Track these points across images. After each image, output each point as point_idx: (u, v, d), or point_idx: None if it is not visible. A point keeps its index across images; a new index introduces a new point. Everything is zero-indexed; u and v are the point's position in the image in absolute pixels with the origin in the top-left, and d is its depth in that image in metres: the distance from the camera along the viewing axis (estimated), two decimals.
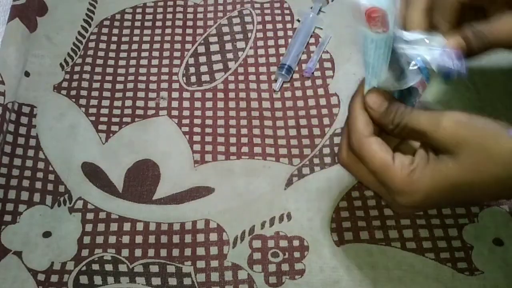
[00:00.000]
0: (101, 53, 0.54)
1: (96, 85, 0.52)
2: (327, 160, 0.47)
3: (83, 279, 0.42)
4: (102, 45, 0.54)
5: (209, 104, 0.51)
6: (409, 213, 0.43)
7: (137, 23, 0.56)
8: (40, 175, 0.46)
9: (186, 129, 0.49)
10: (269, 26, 0.55)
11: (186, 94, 0.51)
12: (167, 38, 0.55)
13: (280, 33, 0.54)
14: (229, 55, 0.53)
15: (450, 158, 0.30)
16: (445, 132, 0.30)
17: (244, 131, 0.49)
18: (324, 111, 0.49)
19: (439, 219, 0.43)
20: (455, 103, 0.48)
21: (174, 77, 0.52)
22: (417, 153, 0.32)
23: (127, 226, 0.44)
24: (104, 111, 0.50)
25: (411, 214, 0.43)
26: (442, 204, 0.33)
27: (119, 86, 0.52)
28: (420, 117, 0.31)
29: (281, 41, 0.54)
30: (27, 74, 0.52)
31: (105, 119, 0.50)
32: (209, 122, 0.49)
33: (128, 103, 0.51)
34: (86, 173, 0.47)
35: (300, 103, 0.50)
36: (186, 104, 0.51)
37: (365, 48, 0.31)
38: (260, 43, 0.54)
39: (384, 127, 0.33)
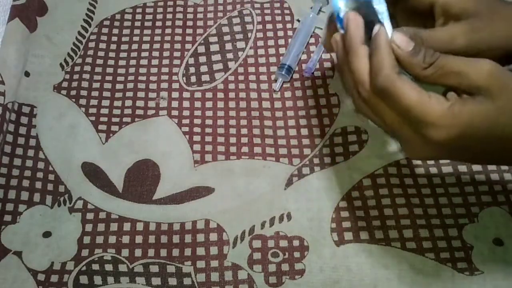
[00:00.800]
0: (101, 53, 0.54)
1: (96, 85, 0.52)
2: (327, 160, 0.47)
3: (83, 279, 0.42)
4: (102, 45, 0.54)
5: (209, 104, 0.51)
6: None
7: (137, 23, 0.56)
8: (40, 175, 0.46)
9: (186, 129, 0.49)
10: (269, 26, 0.55)
11: (186, 94, 0.51)
12: (167, 38, 0.55)
13: (280, 33, 0.54)
14: (229, 55, 0.53)
15: (487, 100, 0.30)
16: (486, 74, 0.30)
17: (244, 131, 0.49)
18: (324, 111, 0.49)
19: (439, 219, 0.43)
20: None
21: (174, 77, 0.52)
22: (449, 95, 0.32)
23: (127, 226, 0.44)
24: (104, 111, 0.50)
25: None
26: (470, 150, 0.32)
27: (119, 86, 0.52)
28: (456, 59, 0.31)
29: (281, 41, 0.54)
30: (27, 74, 0.52)
31: (105, 119, 0.50)
32: (209, 122, 0.49)
33: (128, 103, 0.51)
34: (86, 173, 0.47)
35: (300, 103, 0.50)
36: (186, 104, 0.51)
37: None
38: (260, 43, 0.54)
39: (413, 67, 0.32)
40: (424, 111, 0.30)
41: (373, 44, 0.33)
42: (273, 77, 0.52)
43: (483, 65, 0.30)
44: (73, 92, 0.51)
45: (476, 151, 0.32)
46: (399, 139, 0.34)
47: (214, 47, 0.54)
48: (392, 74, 0.31)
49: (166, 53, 0.54)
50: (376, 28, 0.33)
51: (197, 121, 0.50)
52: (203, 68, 0.53)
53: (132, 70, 0.53)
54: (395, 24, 0.40)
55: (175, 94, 0.51)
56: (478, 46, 0.35)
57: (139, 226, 0.44)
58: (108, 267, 0.42)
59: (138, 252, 0.43)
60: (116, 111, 0.50)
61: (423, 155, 0.34)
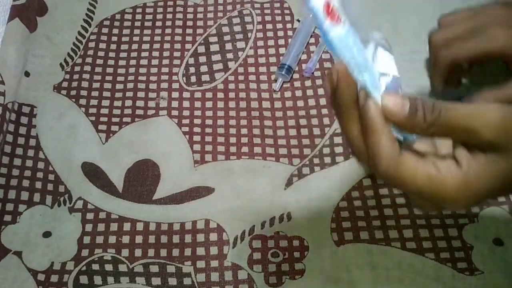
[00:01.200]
0: (101, 53, 0.54)
1: (96, 85, 0.52)
2: (327, 160, 0.47)
3: (83, 279, 0.42)
4: (102, 45, 0.54)
5: (209, 104, 0.51)
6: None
7: (137, 23, 0.56)
8: (40, 175, 0.46)
9: (186, 129, 0.49)
10: (269, 26, 0.55)
11: (186, 94, 0.51)
12: (167, 38, 0.55)
13: (280, 33, 0.54)
14: (229, 55, 0.53)
15: (502, 157, 0.27)
16: (496, 127, 0.26)
17: (244, 131, 0.49)
18: (324, 111, 0.49)
19: (439, 219, 0.43)
20: None
21: (174, 77, 0.52)
22: (459, 154, 0.28)
23: (127, 226, 0.44)
24: (104, 111, 0.50)
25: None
26: (487, 199, 0.30)
27: (119, 86, 0.52)
28: (460, 111, 0.27)
29: (281, 41, 0.54)
30: (27, 74, 0.52)
31: (105, 119, 0.50)
32: (209, 122, 0.49)
33: (128, 103, 0.51)
34: (86, 173, 0.47)
35: (300, 103, 0.50)
36: (186, 104, 0.51)
37: (339, 52, 0.27)
38: (260, 43, 0.54)
39: (414, 130, 0.28)
40: (437, 190, 0.27)
41: (362, 120, 0.28)
42: (273, 77, 0.52)
43: (491, 116, 0.27)
44: (73, 92, 0.51)
45: (493, 197, 0.30)
46: (411, 201, 0.32)
47: (214, 47, 0.54)
48: (393, 160, 0.27)
49: (166, 53, 0.54)
50: (361, 100, 0.28)
51: (197, 121, 0.50)
52: (203, 68, 0.53)
53: (132, 70, 0.53)
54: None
55: (175, 94, 0.51)
56: None
57: (139, 226, 0.44)
58: (108, 267, 0.42)
59: (138, 252, 0.43)
60: (116, 111, 0.50)
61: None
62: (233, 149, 0.48)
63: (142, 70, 0.53)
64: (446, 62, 0.41)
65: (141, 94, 0.51)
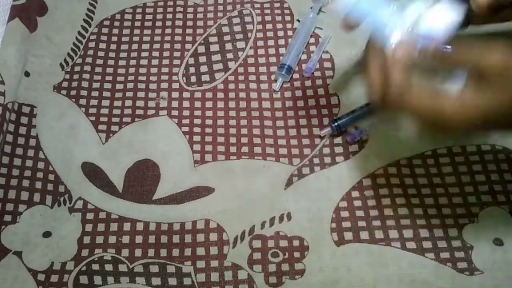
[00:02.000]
0: (101, 53, 0.54)
1: (96, 85, 0.52)
2: (327, 160, 0.47)
3: (83, 279, 0.42)
4: (102, 45, 0.54)
5: (209, 104, 0.51)
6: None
7: (137, 23, 0.56)
8: (40, 175, 0.46)
9: (186, 129, 0.49)
10: (269, 26, 0.55)
11: (186, 94, 0.51)
12: (167, 38, 0.55)
13: (280, 33, 0.54)
14: (229, 55, 0.53)
15: (501, 86, 0.30)
16: (498, 66, 0.30)
17: (244, 131, 0.49)
18: (324, 111, 0.49)
19: (439, 219, 0.43)
20: None
21: (174, 77, 0.52)
22: (459, 77, 0.31)
23: (127, 226, 0.44)
24: (104, 111, 0.50)
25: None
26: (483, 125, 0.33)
27: (119, 86, 0.52)
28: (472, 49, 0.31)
29: (281, 41, 0.54)
30: (27, 74, 0.52)
31: (105, 119, 0.50)
32: (209, 122, 0.49)
33: (128, 103, 0.51)
34: (86, 173, 0.47)
35: (300, 103, 0.50)
36: (186, 104, 0.51)
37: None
38: (260, 43, 0.54)
39: (433, 55, 0.32)
40: (436, 111, 0.31)
41: (381, 59, 0.33)
42: (273, 77, 0.52)
43: (496, 54, 0.30)
44: (73, 92, 0.51)
45: (490, 127, 0.33)
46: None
47: (214, 47, 0.54)
48: (401, 88, 0.32)
49: (166, 53, 0.54)
50: (379, 44, 0.33)
51: (197, 121, 0.50)
52: (203, 68, 0.53)
53: (132, 70, 0.53)
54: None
55: (175, 94, 0.51)
56: None
57: (139, 226, 0.44)
58: (108, 267, 0.42)
59: (138, 252, 0.43)
60: (116, 111, 0.50)
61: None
62: (233, 149, 0.48)
63: (142, 70, 0.53)
64: None
65: (141, 94, 0.51)
